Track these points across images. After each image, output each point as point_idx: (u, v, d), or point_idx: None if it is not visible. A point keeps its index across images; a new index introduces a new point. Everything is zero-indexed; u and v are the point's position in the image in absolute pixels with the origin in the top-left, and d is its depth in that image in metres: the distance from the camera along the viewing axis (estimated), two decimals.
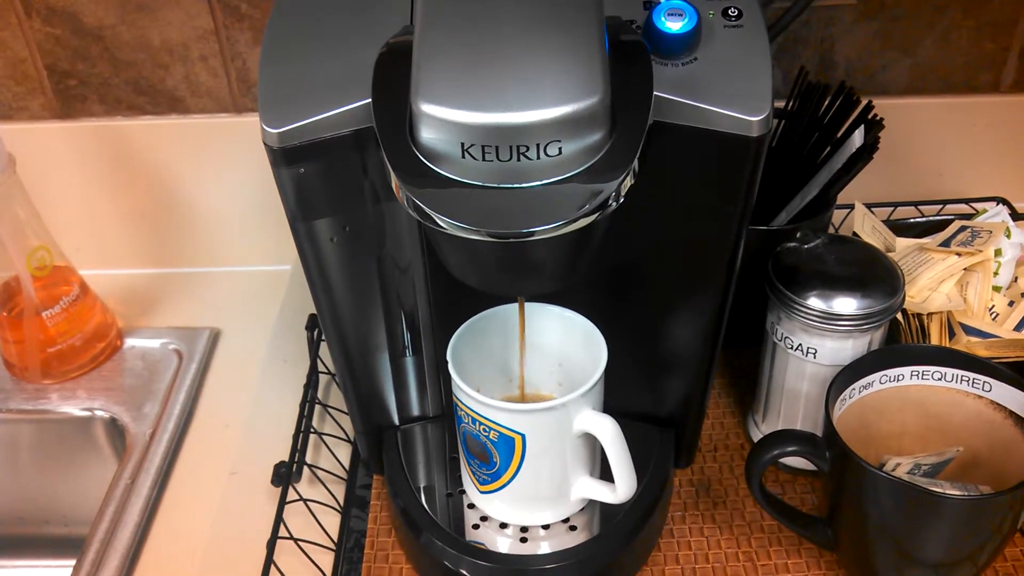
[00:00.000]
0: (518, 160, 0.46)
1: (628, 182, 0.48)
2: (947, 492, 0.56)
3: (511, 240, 0.47)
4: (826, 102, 0.76)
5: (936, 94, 0.89)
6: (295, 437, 0.74)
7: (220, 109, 0.88)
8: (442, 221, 0.47)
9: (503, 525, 0.66)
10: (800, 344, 0.66)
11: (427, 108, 0.46)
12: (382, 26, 0.53)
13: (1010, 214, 0.78)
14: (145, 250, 0.95)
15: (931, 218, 0.84)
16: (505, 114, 0.45)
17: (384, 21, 0.53)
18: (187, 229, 0.94)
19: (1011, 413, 0.61)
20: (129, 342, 0.89)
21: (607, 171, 0.47)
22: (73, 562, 0.71)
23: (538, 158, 0.46)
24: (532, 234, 0.46)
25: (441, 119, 0.46)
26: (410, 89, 0.47)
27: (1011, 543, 0.66)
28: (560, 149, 0.46)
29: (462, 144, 0.46)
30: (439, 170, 0.47)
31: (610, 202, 0.47)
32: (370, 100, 0.50)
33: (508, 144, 0.45)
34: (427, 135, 0.47)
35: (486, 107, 0.45)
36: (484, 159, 0.46)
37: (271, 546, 0.66)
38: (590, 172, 0.47)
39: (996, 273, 0.72)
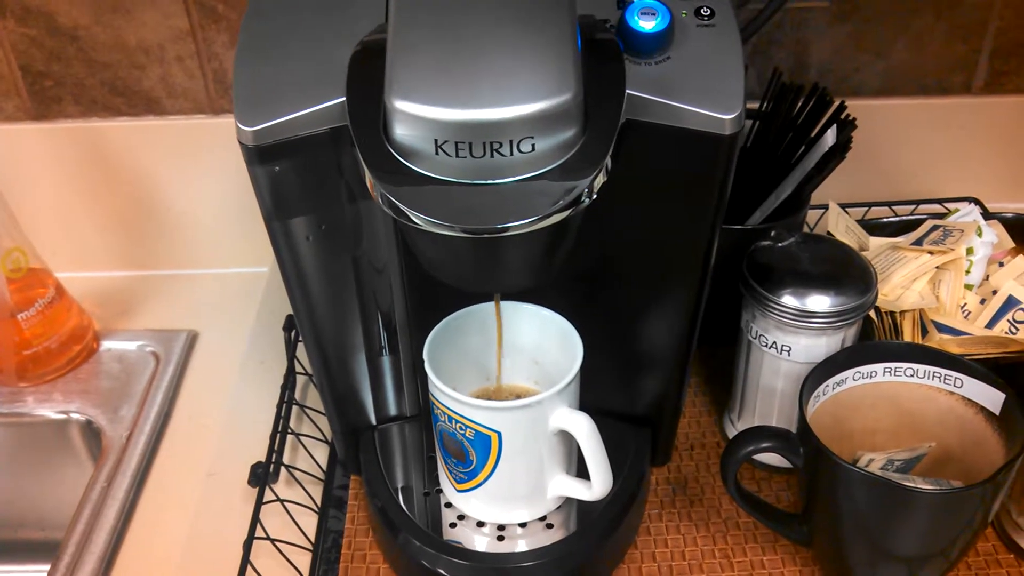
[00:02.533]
0: (491, 156, 0.46)
1: (601, 179, 0.48)
2: (919, 487, 0.56)
3: (485, 236, 0.47)
4: (799, 103, 0.77)
5: (909, 95, 0.90)
6: (272, 438, 0.74)
7: (197, 110, 0.88)
8: (416, 217, 0.47)
9: (480, 524, 0.66)
10: (774, 342, 0.66)
11: (400, 104, 0.46)
12: (357, 25, 0.53)
13: (982, 213, 0.79)
14: (122, 252, 0.95)
15: (904, 218, 0.85)
16: (478, 110, 0.45)
17: (359, 20, 0.53)
18: (164, 231, 0.94)
19: (982, 409, 0.61)
20: (106, 344, 0.88)
21: (580, 168, 0.48)
22: (48, 567, 0.70)
23: (511, 154, 0.46)
24: (506, 230, 0.47)
25: (414, 115, 0.46)
26: (384, 86, 0.47)
27: (983, 537, 0.67)
28: (533, 146, 0.46)
29: (435, 141, 0.46)
30: (413, 167, 0.48)
31: (583, 199, 0.48)
32: (345, 98, 0.51)
33: (481, 140, 0.46)
34: (401, 132, 0.47)
35: (459, 103, 0.45)
36: (457, 155, 0.46)
37: (247, 547, 0.65)
38: (563, 169, 0.48)
39: (968, 271, 0.72)
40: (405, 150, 0.47)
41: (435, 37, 0.48)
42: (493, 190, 0.47)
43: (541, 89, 0.46)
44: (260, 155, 0.52)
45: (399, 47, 0.48)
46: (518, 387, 0.68)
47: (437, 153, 0.47)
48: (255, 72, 0.53)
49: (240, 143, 0.52)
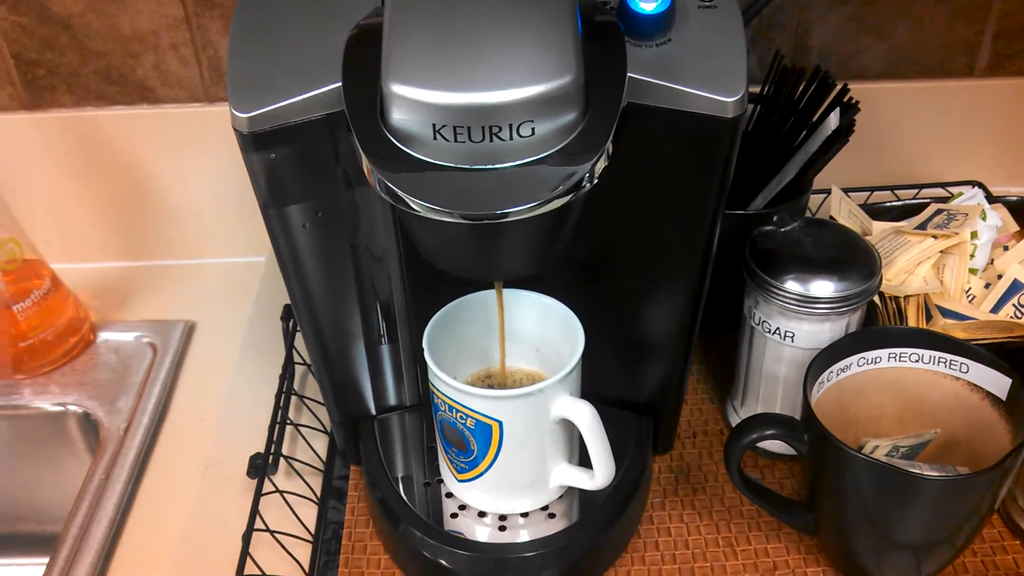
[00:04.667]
0: (491, 141, 0.45)
1: (602, 163, 0.48)
2: (925, 473, 0.56)
3: (485, 222, 0.47)
4: (801, 86, 0.76)
5: (911, 78, 0.89)
6: (271, 429, 0.74)
7: (192, 99, 0.87)
8: (414, 204, 0.46)
9: (482, 514, 0.65)
10: (778, 328, 0.66)
11: (398, 89, 0.45)
12: (352, 8, 0.52)
13: (985, 197, 0.78)
14: (117, 243, 0.94)
15: (907, 202, 0.84)
16: (476, 94, 0.44)
17: (354, 3, 0.52)
18: (160, 221, 0.93)
19: (988, 394, 0.61)
20: (102, 336, 0.88)
21: (581, 152, 0.47)
22: (47, 559, 0.69)
23: (511, 139, 0.46)
24: (506, 215, 0.46)
25: (412, 100, 0.45)
26: (380, 70, 0.46)
27: (989, 524, 0.67)
28: (533, 130, 0.46)
29: (433, 125, 0.45)
30: (411, 152, 0.47)
31: (584, 183, 0.47)
32: (341, 83, 0.50)
33: (480, 125, 0.45)
34: (398, 116, 0.46)
35: (457, 87, 0.45)
36: (456, 140, 0.46)
37: (247, 538, 0.65)
38: (564, 153, 0.47)
39: (972, 255, 0.72)
40: (403, 135, 0.47)
41: (432, 20, 0.47)
42: (492, 175, 0.46)
43: (541, 72, 0.45)
44: (255, 142, 0.52)
45: (396, 30, 0.47)
46: (522, 370, 0.67)
47: (435, 138, 0.46)
48: (250, 58, 0.52)
49: (235, 130, 0.52)
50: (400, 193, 0.46)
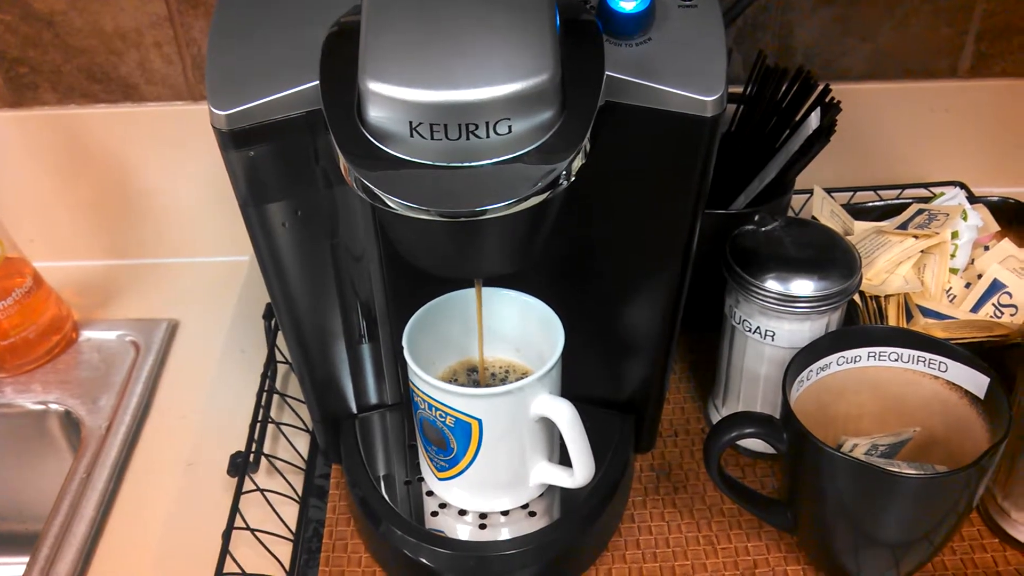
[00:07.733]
0: (467, 139, 0.45)
1: (579, 161, 0.48)
2: (903, 471, 0.56)
3: (462, 220, 0.47)
4: (784, 86, 0.76)
5: (895, 79, 0.89)
6: (252, 427, 0.73)
7: (175, 97, 0.86)
8: (391, 201, 0.46)
9: (462, 512, 0.65)
10: (758, 327, 0.66)
11: (374, 86, 0.45)
12: (332, 6, 0.52)
13: (967, 197, 0.78)
14: (101, 241, 0.94)
15: (889, 202, 0.84)
16: (453, 91, 0.44)
17: (334, 1, 0.52)
18: (143, 219, 0.93)
19: (967, 393, 0.61)
20: (85, 334, 0.87)
21: (558, 150, 0.47)
22: (27, 559, 0.69)
23: (488, 136, 0.46)
24: (483, 213, 0.46)
25: (388, 97, 0.45)
26: (358, 68, 0.46)
27: (968, 523, 0.67)
28: (510, 127, 0.46)
29: (410, 123, 0.45)
30: (388, 150, 0.47)
31: (561, 181, 0.47)
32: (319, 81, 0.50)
33: (457, 122, 0.45)
34: (375, 114, 0.46)
35: (434, 84, 0.45)
36: (433, 138, 0.45)
37: (226, 537, 0.65)
38: (541, 151, 0.47)
39: (953, 255, 0.72)
40: (380, 133, 0.47)
41: (410, 17, 0.47)
42: (470, 173, 0.46)
43: (518, 69, 0.45)
44: (234, 140, 0.52)
45: (373, 27, 0.47)
46: (502, 360, 0.67)
47: (412, 136, 0.46)
48: (229, 55, 0.52)
49: (213, 127, 0.51)
50: (377, 191, 0.46)
